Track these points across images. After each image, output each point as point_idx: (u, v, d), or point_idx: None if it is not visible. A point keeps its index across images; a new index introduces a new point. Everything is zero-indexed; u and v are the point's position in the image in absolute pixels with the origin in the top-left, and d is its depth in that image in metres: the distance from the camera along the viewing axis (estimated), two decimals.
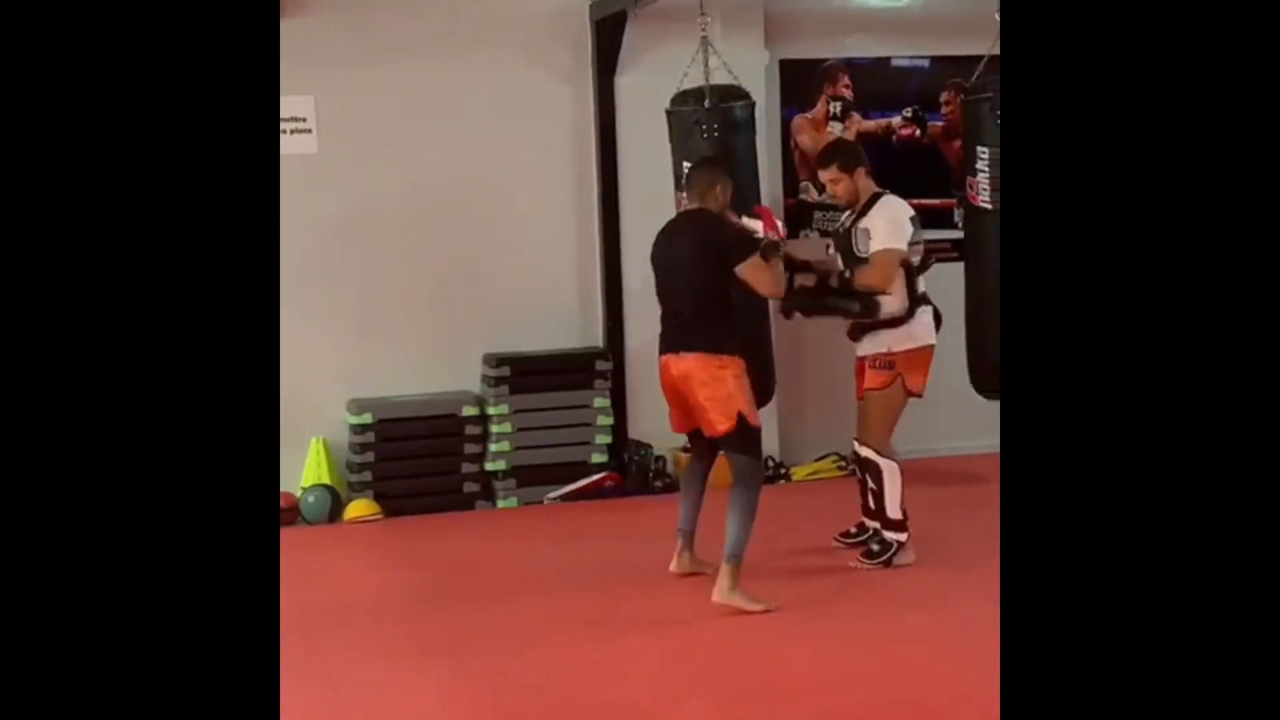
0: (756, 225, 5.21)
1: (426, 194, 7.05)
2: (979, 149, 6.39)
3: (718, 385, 4.95)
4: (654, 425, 7.08)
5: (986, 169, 6.30)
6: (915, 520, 5.63)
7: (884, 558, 5.40)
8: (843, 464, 7.34)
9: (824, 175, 5.58)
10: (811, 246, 5.95)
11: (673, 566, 5.29)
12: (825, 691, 4.12)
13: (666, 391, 5.15)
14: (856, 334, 5.48)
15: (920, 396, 5.45)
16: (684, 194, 6.25)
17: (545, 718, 4.05)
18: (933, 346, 5.42)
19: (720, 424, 4.97)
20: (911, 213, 5.45)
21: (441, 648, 4.66)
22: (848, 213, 5.61)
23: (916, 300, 5.37)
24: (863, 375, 5.47)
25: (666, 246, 5.22)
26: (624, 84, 7.18)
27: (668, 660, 4.47)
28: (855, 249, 5.43)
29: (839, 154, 5.62)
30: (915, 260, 5.40)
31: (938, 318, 5.48)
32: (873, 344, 5.40)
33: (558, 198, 7.26)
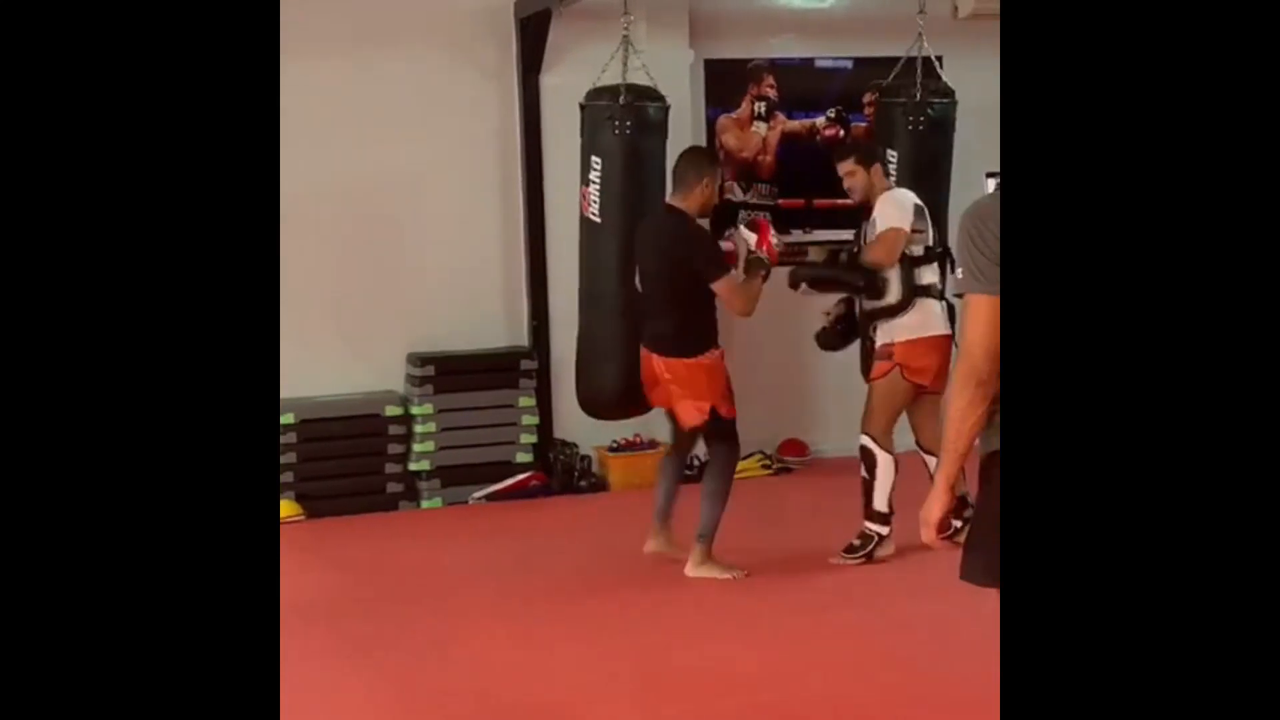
0: (751, 238, 5.26)
1: (349, 191, 6.98)
2: (888, 152, 6.44)
3: (692, 383, 5.17)
4: (579, 425, 7.08)
5: (894, 173, 6.35)
6: (843, 516, 5.67)
7: (864, 551, 5.40)
8: (768, 463, 7.38)
9: (841, 168, 5.54)
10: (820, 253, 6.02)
11: (646, 547, 5.43)
12: (752, 688, 4.14)
13: (645, 376, 5.32)
14: (868, 324, 5.49)
15: (931, 389, 5.36)
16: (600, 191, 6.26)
17: (469, 718, 4.03)
18: (940, 338, 5.33)
19: (694, 418, 5.20)
20: (917, 201, 5.42)
21: (364, 649, 4.62)
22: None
23: (914, 290, 5.32)
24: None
25: (643, 249, 5.36)
26: (549, 82, 7.16)
27: (595, 660, 4.47)
28: (866, 241, 5.45)
29: (857, 148, 5.64)
30: (916, 250, 5.35)
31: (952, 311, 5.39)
32: (881, 334, 5.42)
33: (482, 196, 7.23)
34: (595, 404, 6.15)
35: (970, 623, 3.59)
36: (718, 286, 5.09)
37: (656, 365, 5.23)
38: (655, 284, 5.24)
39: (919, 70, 6.45)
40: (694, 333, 5.16)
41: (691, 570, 5.19)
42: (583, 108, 6.33)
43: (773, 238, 5.30)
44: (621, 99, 6.15)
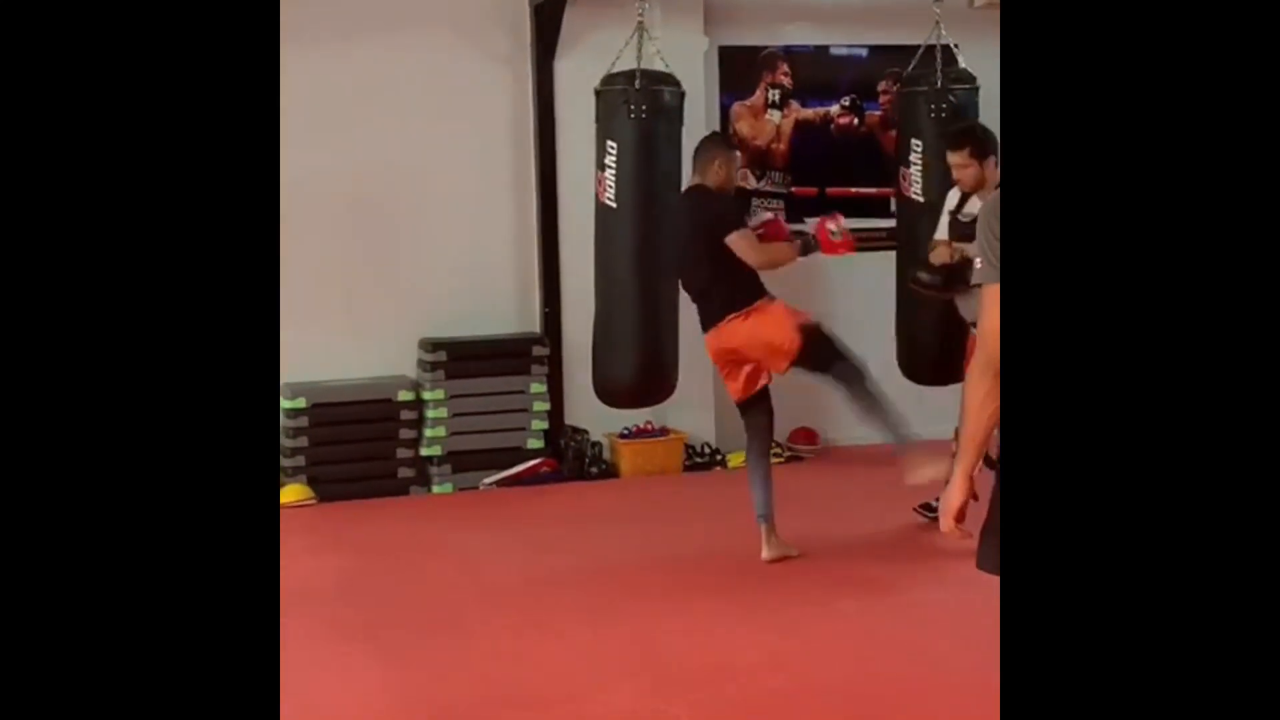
0: (814, 224, 5.39)
1: (362, 176, 6.98)
2: (913, 141, 6.44)
3: (764, 324, 5.12)
4: (590, 411, 7.08)
5: (919, 161, 6.35)
6: (851, 503, 5.66)
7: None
8: (778, 451, 7.37)
9: (953, 159, 5.44)
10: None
11: (764, 554, 5.21)
12: (760, 675, 4.14)
13: (720, 364, 5.28)
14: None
15: None
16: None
17: (476, 703, 4.04)
18: None
19: (789, 345, 5.07)
20: None
21: (373, 634, 4.63)
22: (960, 199, 5.48)
23: None
24: None
25: (677, 231, 5.39)
26: (563, 68, 7.15)
27: (600, 646, 4.47)
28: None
29: (972, 138, 5.46)
30: None
31: None
32: None
33: (495, 182, 7.23)
34: (610, 392, 6.14)
35: (981, 612, 3.58)
36: (732, 239, 5.09)
37: (724, 342, 5.16)
38: (691, 260, 5.28)
39: (939, 58, 6.42)
40: (740, 285, 5.14)
41: (767, 554, 5.16)
42: (598, 93, 6.32)
43: (833, 230, 5.33)
44: (637, 84, 6.14)
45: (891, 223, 7.63)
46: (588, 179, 6.78)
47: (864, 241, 7.72)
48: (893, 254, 7.25)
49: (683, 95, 6.38)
